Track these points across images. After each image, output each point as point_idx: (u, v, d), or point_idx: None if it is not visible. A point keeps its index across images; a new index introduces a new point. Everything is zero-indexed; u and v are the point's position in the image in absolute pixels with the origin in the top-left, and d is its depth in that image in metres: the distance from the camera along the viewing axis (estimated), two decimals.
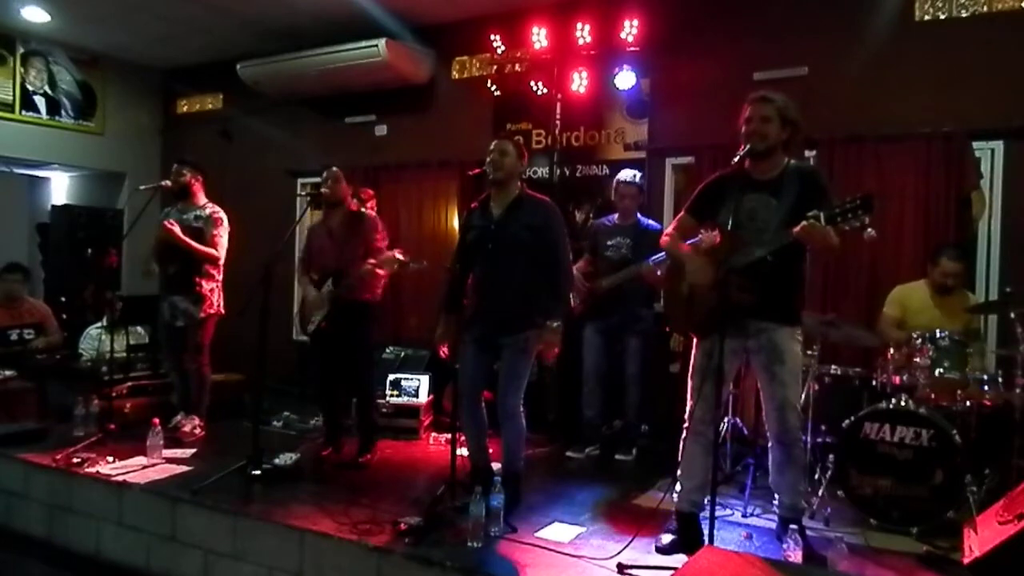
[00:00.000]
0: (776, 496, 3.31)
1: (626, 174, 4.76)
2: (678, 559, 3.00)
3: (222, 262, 4.92)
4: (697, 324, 3.23)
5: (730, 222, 3.04)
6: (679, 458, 3.24)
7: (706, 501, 3.02)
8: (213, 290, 4.90)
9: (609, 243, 4.72)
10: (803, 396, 3.84)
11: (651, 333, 4.72)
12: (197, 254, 4.79)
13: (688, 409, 3.21)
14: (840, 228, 2.81)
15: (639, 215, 4.76)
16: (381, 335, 5.55)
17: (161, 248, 4.82)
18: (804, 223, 2.83)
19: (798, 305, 3.19)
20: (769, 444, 3.20)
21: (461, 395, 3.68)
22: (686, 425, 3.22)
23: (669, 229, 3.41)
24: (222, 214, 4.93)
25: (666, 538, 3.21)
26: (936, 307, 4.17)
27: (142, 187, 5.00)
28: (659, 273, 4.43)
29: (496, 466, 3.74)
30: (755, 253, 2.99)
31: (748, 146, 3.02)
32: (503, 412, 3.56)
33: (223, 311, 4.98)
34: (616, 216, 4.80)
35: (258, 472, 3.87)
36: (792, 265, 3.08)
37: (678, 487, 3.27)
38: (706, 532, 2.91)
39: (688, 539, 3.15)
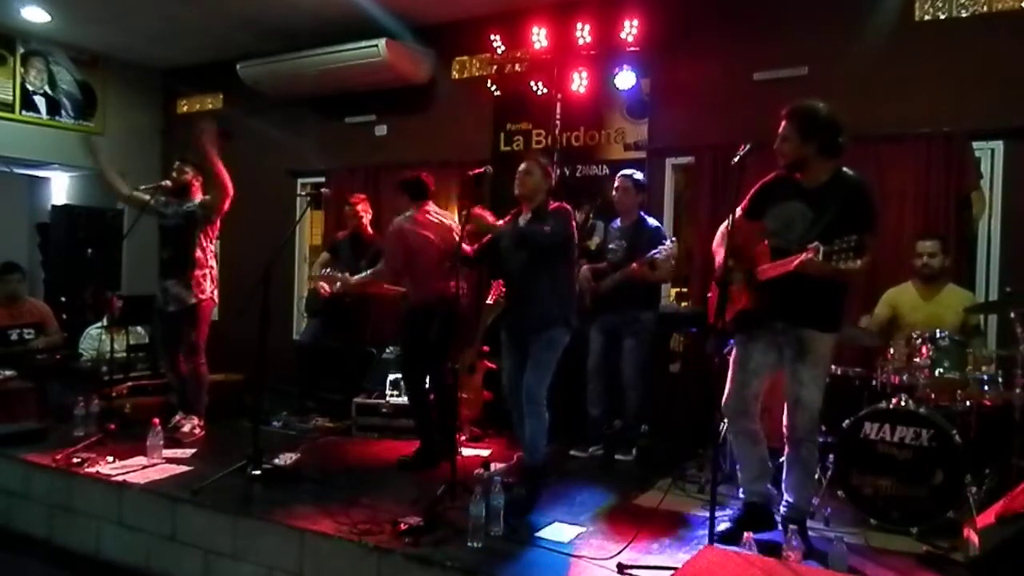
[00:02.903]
0: (784, 497, 3.32)
1: (626, 172, 4.79)
2: (678, 559, 3.01)
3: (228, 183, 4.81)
4: (729, 321, 3.29)
5: (766, 225, 3.17)
6: (729, 451, 3.41)
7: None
8: (205, 275, 4.89)
9: (611, 246, 4.78)
10: None
11: (650, 334, 4.72)
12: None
13: (723, 402, 3.31)
14: (834, 264, 2.81)
15: (641, 213, 4.76)
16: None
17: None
18: (803, 256, 2.90)
19: (833, 311, 3.17)
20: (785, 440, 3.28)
21: (507, 396, 3.95)
22: (724, 419, 3.37)
23: (721, 231, 3.41)
24: None
25: (723, 526, 3.27)
26: (926, 303, 4.17)
27: (142, 187, 5.00)
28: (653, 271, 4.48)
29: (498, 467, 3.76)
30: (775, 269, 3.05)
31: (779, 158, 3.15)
32: (526, 397, 3.73)
33: (216, 299, 4.98)
34: (620, 219, 4.83)
35: (258, 472, 3.87)
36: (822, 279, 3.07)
37: (740, 481, 3.39)
38: (710, 531, 2.95)
39: (759, 527, 3.17)
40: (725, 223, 3.39)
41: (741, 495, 3.41)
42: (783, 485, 3.32)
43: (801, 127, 3.08)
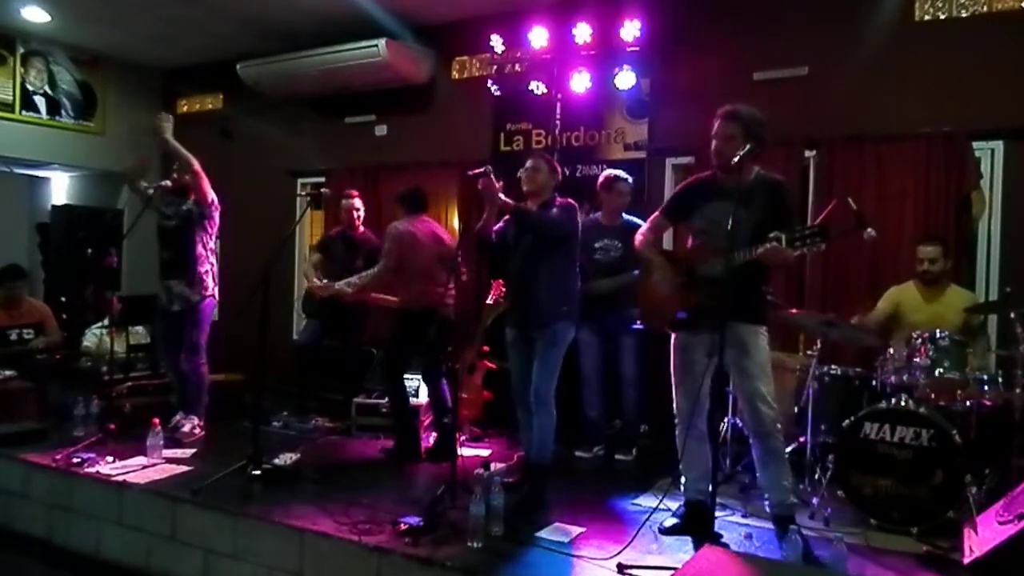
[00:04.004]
0: (767, 496, 3.33)
1: (620, 172, 4.76)
2: (678, 559, 3.01)
3: (198, 167, 4.83)
4: (670, 322, 3.37)
5: (693, 226, 3.28)
6: (679, 453, 3.39)
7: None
8: (207, 272, 4.90)
9: (597, 245, 4.69)
10: (803, 396, 3.88)
11: (645, 332, 4.70)
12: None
13: (675, 405, 3.39)
14: (799, 250, 2.97)
15: (623, 213, 4.73)
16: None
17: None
18: (768, 245, 2.99)
19: (762, 305, 3.32)
20: (750, 441, 3.30)
21: (514, 394, 3.95)
22: (676, 420, 3.39)
23: (644, 229, 3.55)
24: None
25: (669, 521, 3.36)
26: (928, 304, 4.17)
27: (144, 184, 5.00)
28: None
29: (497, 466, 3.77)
30: (719, 265, 3.08)
31: (715, 160, 3.22)
32: (534, 399, 3.75)
33: (217, 296, 4.99)
34: (601, 215, 4.78)
35: (258, 472, 3.87)
36: (753, 269, 3.18)
37: (683, 479, 3.42)
38: (709, 530, 2.96)
39: (697, 526, 3.23)
40: (645, 225, 3.55)
41: (683, 492, 3.46)
42: (761, 485, 3.37)
43: (747, 128, 3.15)
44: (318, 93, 6.71)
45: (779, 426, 3.24)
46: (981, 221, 4.57)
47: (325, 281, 5.09)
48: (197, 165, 4.82)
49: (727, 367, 3.24)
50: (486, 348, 5.23)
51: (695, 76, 5.30)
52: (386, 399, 5.18)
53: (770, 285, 3.52)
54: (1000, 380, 3.68)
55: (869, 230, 3.64)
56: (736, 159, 3.06)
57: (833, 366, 4.10)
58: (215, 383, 5.23)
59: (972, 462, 3.43)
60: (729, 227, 3.02)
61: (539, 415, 3.76)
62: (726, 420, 4.19)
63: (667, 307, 3.35)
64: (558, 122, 5.71)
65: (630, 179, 4.75)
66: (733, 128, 3.17)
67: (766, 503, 3.37)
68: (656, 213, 3.52)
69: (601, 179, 4.76)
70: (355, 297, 4.93)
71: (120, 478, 3.86)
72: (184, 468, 4.10)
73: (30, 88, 7.17)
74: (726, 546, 3.14)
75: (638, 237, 3.55)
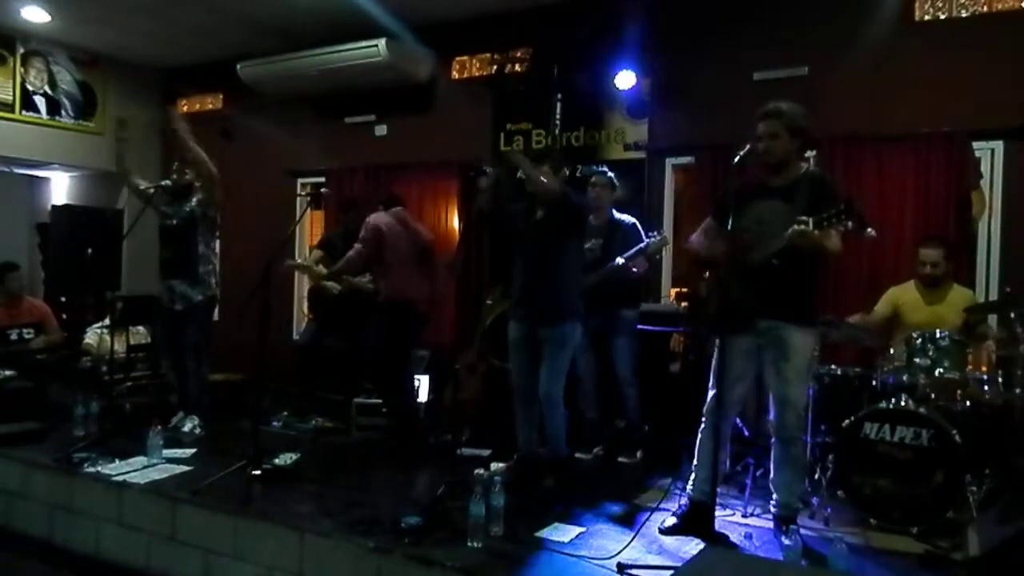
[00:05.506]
0: (773, 496, 3.34)
1: (600, 167, 4.77)
2: (678, 559, 3.01)
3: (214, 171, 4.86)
4: (710, 323, 3.37)
5: (737, 226, 3.13)
6: (695, 450, 3.40)
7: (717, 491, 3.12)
8: (209, 272, 4.91)
9: (586, 245, 4.68)
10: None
11: (638, 332, 4.70)
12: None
13: (706, 405, 3.35)
14: (829, 231, 2.94)
15: (612, 211, 4.71)
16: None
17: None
18: (794, 227, 2.94)
19: (811, 305, 3.24)
20: (771, 441, 3.30)
21: (515, 394, 4.02)
22: (703, 418, 3.36)
23: (695, 235, 3.53)
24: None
25: (669, 521, 3.35)
26: (928, 305, 4.16)
27: (143, 187, 5.00)
28: (635, 270, 4.47)
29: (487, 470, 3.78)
30: (756, 257, 3.07)
31: (762, 160, 3.16)
32: (545, 399, 3.84)
33: (218, 295, 5.00)
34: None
35: (258, 472, 3.87)
36: (802, 266, 3.12)
37: (692, 476, 3.42)
38: (709, 530, 2.99)
39: (699, 525, 3.21)
40: (696, 232, 3.52)
41: (689, 491, 3.45)
42: (771, 484, 3.35)
43: (790, 125, 3.14)
44: (318, 93, 6.71)
45: (802, 433, 3.24)
46: (981, 221, 4.57)
47: (312, 265, 5.20)
48: (214, 169, 4.83)
49: (763, 366, 3.23)
50: (486, 348, 5.23)
51: (695, 76, 5.30)
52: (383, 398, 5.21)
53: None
54: (1000, 380, 3.68)
55: (869, 230, 3.64)
56: (735, 160, 3.06)
57: (833, 366, 4.09)
58: (215, 383, 5.23)
59: (972, 462, 3.42)
60: (729, 226, 3.03)
61: (550, 416, 3.85)
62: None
63: (708, 309, 3.35)
64: (558, 122, 5.71)
65: (608, 172, 4.70)
66: (776, 126, 3.14)
67: (771, 502, 3.36)
68: (708, 218, 3.49)
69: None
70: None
71: (120, 478, 3.86)
72: (184, 468, 4.10)
73: (30, 88, 7.17)
74: (734, 546, 3.14)
75: (690, 243, 3.54)
